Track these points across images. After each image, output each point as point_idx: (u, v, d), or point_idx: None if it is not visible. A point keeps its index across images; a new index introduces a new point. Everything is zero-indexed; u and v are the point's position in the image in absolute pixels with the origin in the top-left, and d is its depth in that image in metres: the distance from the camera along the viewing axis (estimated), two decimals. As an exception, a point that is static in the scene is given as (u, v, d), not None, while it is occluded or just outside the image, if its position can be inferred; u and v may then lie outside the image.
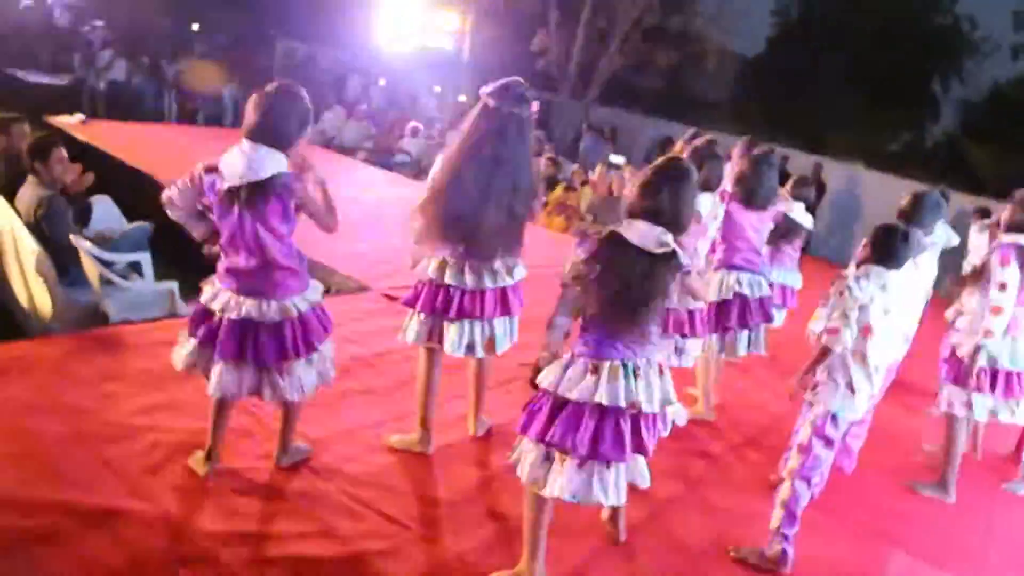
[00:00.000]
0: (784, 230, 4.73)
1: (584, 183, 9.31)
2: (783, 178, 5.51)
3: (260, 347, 2.48)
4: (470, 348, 2.92)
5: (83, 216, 4.63)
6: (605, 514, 2.80)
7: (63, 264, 4.06)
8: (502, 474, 3.07)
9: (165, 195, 2.55)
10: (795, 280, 5.06)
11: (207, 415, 2.76)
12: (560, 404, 2.23)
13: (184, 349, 2.60)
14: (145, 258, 4.41)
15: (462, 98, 14.35)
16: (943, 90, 19.72)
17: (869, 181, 11.48)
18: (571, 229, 8.70)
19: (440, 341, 2.91)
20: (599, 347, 2.25)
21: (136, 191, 6.74)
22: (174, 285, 4.33)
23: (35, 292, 4.03)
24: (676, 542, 2.86)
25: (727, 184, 3.83)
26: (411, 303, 2.94)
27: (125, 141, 8.11)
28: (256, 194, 2.38)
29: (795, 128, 16.57)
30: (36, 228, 4.07)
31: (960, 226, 6.79)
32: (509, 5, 15.01)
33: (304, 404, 2.76)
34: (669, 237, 2.21)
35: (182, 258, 5.43)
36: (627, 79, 15.23)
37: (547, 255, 6.04)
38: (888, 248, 2.69)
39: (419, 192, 2.87)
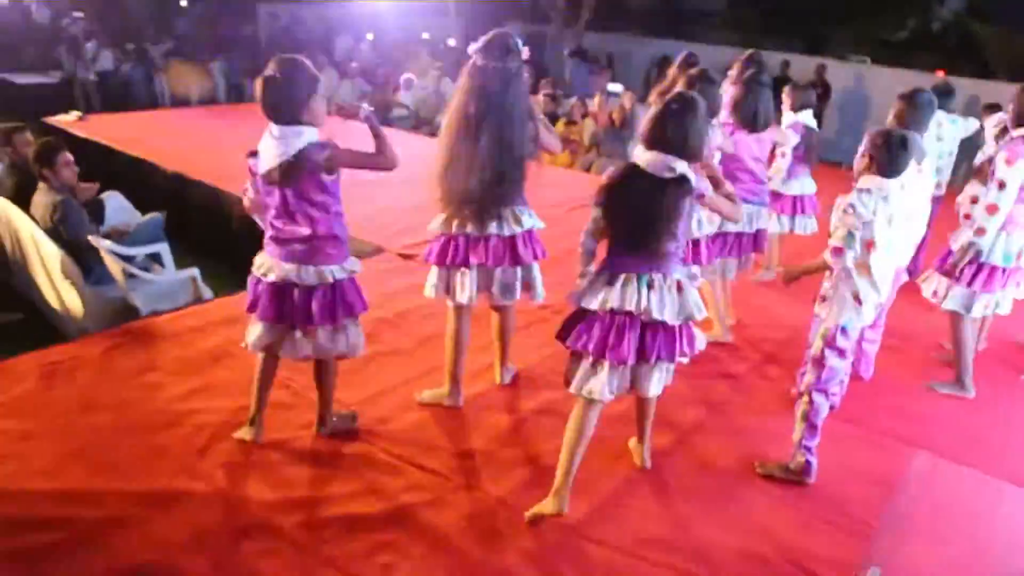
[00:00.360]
0: (809, 143, 4.71)
1: (585, 115, 9.18)
2: (785, 84, 5.39)
3: (293, 309, 2.61)
4: (479, 291, 2.99)
5: (97, 214, 4.73)
6: (632, 442, 2.94)
7: (86, 264, 4.19)
8: (532, 418, 3.20)
9: (245, 200, 2.72)
10: (811, 186, 5.03)
11: (244, 394, 2.91)
12: (582, 313, 2.45)
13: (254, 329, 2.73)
14: (164, 248, 4.52)
15: (451, 42, 14.05)
16: (947, -34, 18.79)
17: (876, 77, 11.15)
18: (576, 163, 8.65)
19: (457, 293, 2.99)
20: (616, 263, 2.43)
21: (144, 182, 6.83)
22: (195, 271, 4.44)
23: (64, 294, 4.17)
24: (704, 464, 2.97)
25: (724, 113, 3.81)
26: (426, 258, 3.04)
27: (125, 133, 8.14)
28: (290, 173, 2.49)
29: (796, 29, 16.02)
30: (54, 232, 4.18)
31: (970, 114, 6.63)
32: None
33: (336, 376, 2.89)
34: (680, 164, 2.34)
35: (197, 244, 5.56)
36: (618, 0, 14.76)
37: (554, 193, 6.06)
38: (887, 157, 2.62)
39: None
